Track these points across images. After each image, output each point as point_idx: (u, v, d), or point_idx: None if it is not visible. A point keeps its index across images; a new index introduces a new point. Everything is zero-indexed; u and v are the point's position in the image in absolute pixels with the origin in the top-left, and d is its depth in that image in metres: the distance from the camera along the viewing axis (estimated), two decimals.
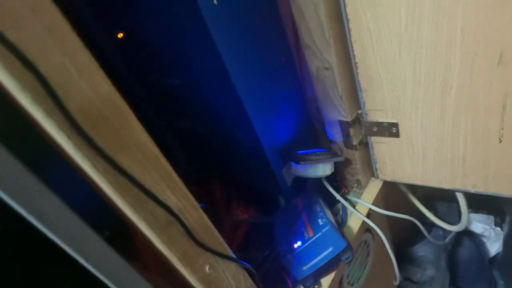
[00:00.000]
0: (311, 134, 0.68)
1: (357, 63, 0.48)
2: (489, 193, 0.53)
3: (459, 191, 0.59)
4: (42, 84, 0.21)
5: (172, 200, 0.31)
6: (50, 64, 0.22)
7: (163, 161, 0.30)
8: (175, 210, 0.31)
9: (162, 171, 0.30)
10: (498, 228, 0.93)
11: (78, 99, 0.24)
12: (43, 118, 0.22)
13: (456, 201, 0.63)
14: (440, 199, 0.91)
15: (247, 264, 0.41)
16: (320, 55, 0.49)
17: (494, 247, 0.91)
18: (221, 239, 0.37)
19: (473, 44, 0.40)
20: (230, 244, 0.79)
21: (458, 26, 0.39)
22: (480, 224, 0.95)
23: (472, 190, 0.55)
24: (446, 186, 0.57)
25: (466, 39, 0.40)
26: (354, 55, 0.48)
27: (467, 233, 0.93)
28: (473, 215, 0.96)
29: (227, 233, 0.80)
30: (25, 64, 0.20)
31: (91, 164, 0.25)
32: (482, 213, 0.96)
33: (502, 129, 0.45)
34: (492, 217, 0.95)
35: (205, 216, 0.35)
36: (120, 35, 0.59)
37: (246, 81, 0.51)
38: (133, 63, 0.67)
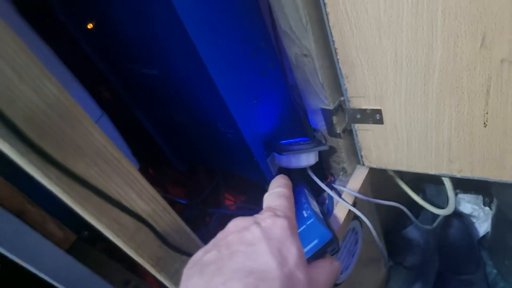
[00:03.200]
0: (296, 123, 0.66)
1: (336, 49, 0.46)
2: (475, 178, 0.52)
3: (445, 176, 0.58)
4: None
5: (139, 205, 0.29)
6: None
7: (126, 163, 0.28)
8: (144, 215, 0.30)
9: (125, 175, 0.28)
10: (487, 208, 0.93)
11: (20, 105, 0.21)
12: None
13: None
14: (428, 181, 0.91)
15: None
16: (298, 41, 0.47)
17: (483, 227, 0.92)
18: (197, 241, 0.36)
19: (454, 27, 0.38)
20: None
21: (439, 8, 0.37)
22: (469, 204, 0.95)
23: (458, 175, 0.54)
24: (431, 171, 0.56)
25: (447, 21, 0.38)
26: (333, 41, 0.46)
27: (456, 214, 0.93)
28: (461, 196, 0.96)
29: (215, 225, 0.79)
30: None
31: (42, 173, 0.23)
32: (470, 193, 0.96)
33: (487, 113, 0.44)
34: (481, 197, 0.95)
35: (178, 218, 0.33)
36: (90, 26, 0.56)
37: (223, 69, 0.49)
38: (108, 54, 0.64)
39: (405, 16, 0.39)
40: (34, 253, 0.23)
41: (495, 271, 0.83)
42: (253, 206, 0.77)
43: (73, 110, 0.24)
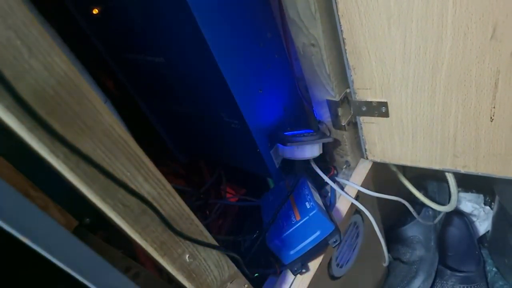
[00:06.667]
0: (300, 114, 0.66)
1: (345, 39, 0.46)
2: (479, 174, 0.52)
3: (449, 172, 0.58)
4: None
5: (144, 188, 0.29)
6: None
7: (133, 145, 0.28)
8: (149, 198, 0.29)
9: (132, 156, 0.28)
10: (488, 207, 0.93)
11: (29, 79, 0.21)
12: None
13: (446, 180, 0.62)
14: (430, 178, 0.91)
15: (230, 252, 0.40)
16: (306, 30, 0.47)
17: (483, 226, 0.92)
18: (201, 227, 0.36)
19: (465, 18, 0.38)
20: (219, 228, 0.77)
21: None
22: (469, 203, 0.95)
23: (462, 170, 0.53)
24: (436, 166, 0.56)
25: (458, 12, 0.38)
26: (341, 31, 0.45)
27: (456, 212, 0.93)
28: (462, 194, 0.96)
29: (217, 217, 0.79)
30: None
31: (49, 150, 0.23)
32: (471, 192, 0.96)
33: (494, 107, 0.44)
34: (481, 196, 0.95)
35: (183, 203, 0.33)
36: (95, 11, 0.56)
37: (230, 59, 0.49)
38: (112, 42, 0.64)
39: (416, 6, 0.39)
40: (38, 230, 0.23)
41: (494, 269, 0.83)
42: (254, 199, 0.77)
43: (82, 88, 0.24)
